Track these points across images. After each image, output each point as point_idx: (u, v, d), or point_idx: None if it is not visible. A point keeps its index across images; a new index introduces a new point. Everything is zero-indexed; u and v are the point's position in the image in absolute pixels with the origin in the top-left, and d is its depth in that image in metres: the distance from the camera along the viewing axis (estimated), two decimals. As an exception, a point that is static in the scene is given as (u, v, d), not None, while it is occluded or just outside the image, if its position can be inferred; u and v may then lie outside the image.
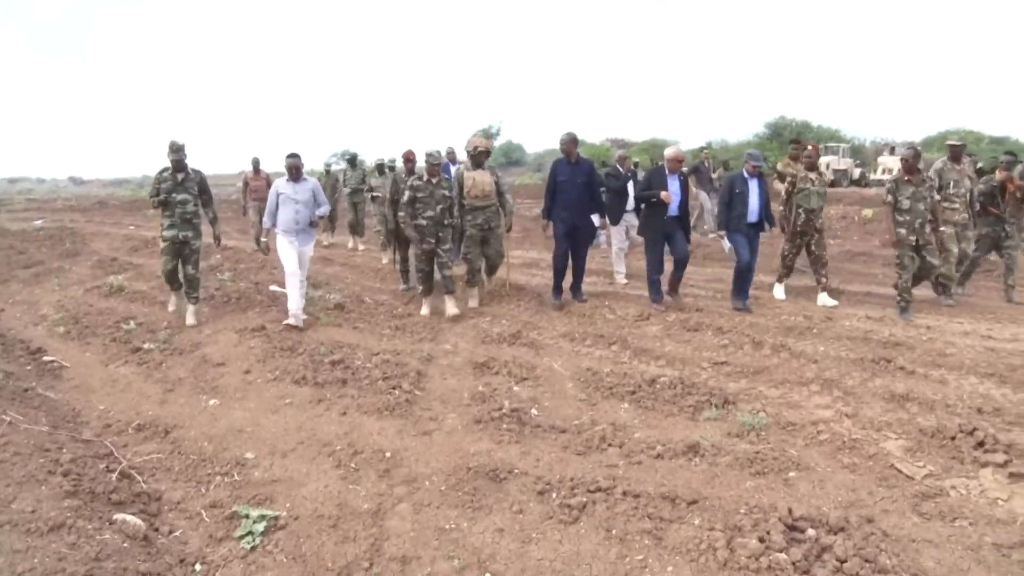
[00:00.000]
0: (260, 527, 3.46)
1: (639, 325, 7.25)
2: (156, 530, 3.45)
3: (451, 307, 7.65)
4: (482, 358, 6.09)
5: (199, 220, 7.54)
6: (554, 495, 3.68)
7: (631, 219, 9.47)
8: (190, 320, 7.34)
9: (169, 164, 7.25)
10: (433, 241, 7.60)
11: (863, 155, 36.88)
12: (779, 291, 8.66)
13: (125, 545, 3.12)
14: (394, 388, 5.27)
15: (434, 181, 7.55)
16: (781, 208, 8.54)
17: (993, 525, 3.33)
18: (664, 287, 8.02)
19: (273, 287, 8.94)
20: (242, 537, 3.41)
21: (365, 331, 7.13)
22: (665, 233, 7.81)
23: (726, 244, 8.03)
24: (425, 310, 7.93)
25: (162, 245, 7.44)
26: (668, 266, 7.97)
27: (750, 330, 6.77)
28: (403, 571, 3.17)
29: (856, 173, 32.46)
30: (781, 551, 3.02)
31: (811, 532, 3.17)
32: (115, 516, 3.35)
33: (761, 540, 3.09)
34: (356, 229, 14.37)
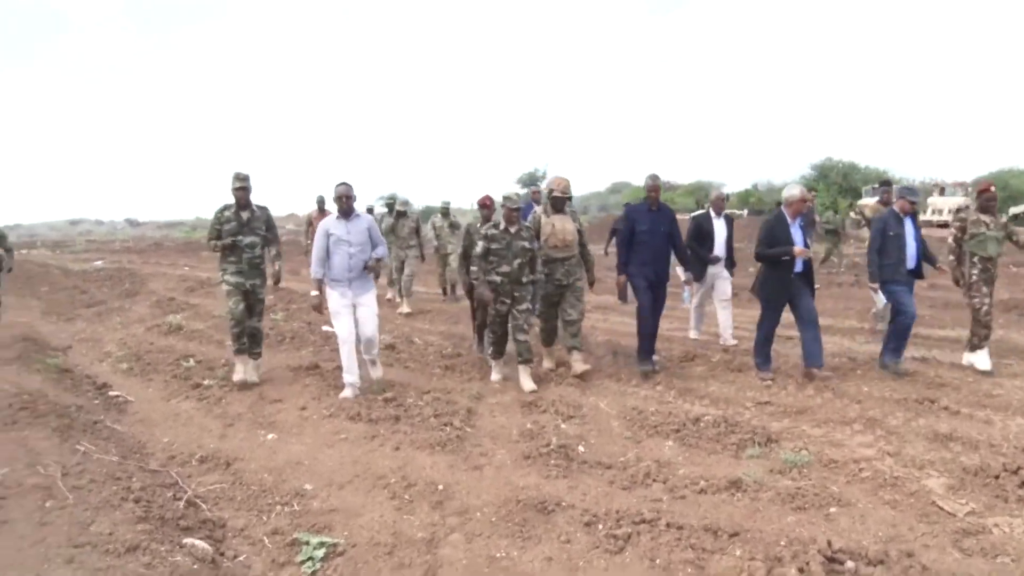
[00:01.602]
0: (320, 553, 3.62)
1: (684, 365, 7.32)
2: (222, 554, 3.61)
3: (526, 380, 6.55)
4: (530, 397, 6.25)
5: (265, 266, 6.90)
6: (600, 526, 3.79)
7: (715, 270, 8.30)
8: (252, 377, 6.74)
9: (232, 200, 6.57)
10: (508, 301, 6.56)
11: (913, 196, 36.36)
12: (983, 360, 6.90)
13: (195, 567, 3.29)
14: (445, 425, 5.43)
15: (512, 230, 6.47)
16: (952, 258, 7.20)
17: (1036, 562, 3.36)
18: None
19: (326, 327, 9.20)
20: (303, 562, 3.57)
21: (415, 370, 7.34)
22: (790, 294, 6.58)
23: (880, 299, 6.79)
24: (496, 375, 6.87)
25: (226, 288, 6.70)
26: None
27: (794, 371, 6.81)
28: (456, 597, 3.31)
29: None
30: (821, 582, 3.10)
31: (850, 564, 3.24)
32: (184, 540, 3.53)
33: (800, 571, 3.17)
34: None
